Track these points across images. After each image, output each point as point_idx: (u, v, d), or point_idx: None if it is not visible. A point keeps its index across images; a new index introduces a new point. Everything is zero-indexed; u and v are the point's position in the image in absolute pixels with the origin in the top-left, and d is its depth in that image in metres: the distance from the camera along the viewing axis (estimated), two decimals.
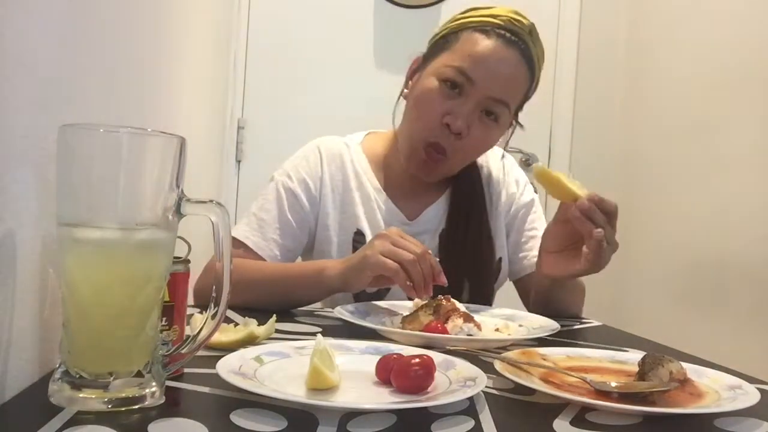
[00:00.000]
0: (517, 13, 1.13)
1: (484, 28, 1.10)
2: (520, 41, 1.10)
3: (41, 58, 0.59)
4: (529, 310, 1.15)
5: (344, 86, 2.43)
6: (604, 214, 0.93)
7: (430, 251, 0.97)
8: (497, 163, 1.29)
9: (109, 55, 0.79)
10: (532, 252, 1.22)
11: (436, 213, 1.23)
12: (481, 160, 1.27)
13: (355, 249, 1.17)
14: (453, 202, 1.23)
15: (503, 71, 1.09)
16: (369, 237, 1.18)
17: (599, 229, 0.92)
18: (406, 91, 1.19)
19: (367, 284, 0.99)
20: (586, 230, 0.93)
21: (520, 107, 1.18)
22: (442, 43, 1.14)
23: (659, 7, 2.26)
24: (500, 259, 1.24)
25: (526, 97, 1.17)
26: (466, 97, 1.09)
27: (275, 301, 1.03)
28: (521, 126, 1.22)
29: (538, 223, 1.26)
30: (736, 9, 1.83)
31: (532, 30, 1.12)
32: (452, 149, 1.12)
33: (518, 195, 1.27)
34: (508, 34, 1.09)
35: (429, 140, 1.12)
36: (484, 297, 1.19)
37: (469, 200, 1.22)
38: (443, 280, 0.96)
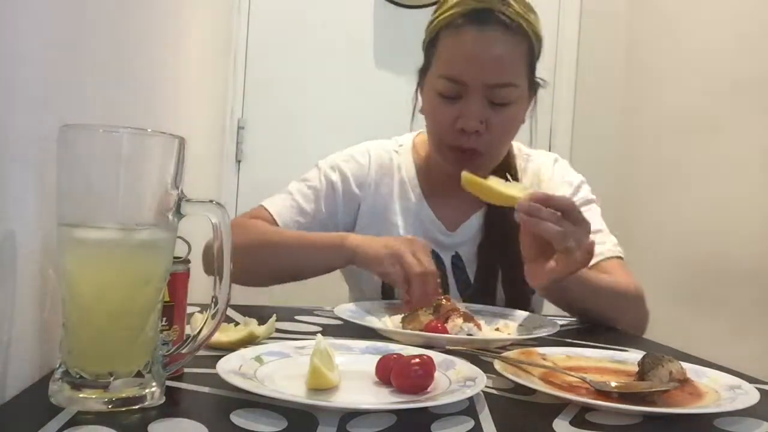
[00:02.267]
0: None
1: (454, 23, 1.07)
2: (493, 14, 1.05)
3: (41, 58, 0.59)
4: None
5: (344, 86, 2.43)
6: (557, 210, 0.88)
7: (436, 273, 0.99)
8: (548, 169, 1.25)
9: (110, 55, 0.79)
10: None
11: (476, 223, 1.20)
12: (531, 165, 1.24)
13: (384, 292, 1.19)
14: (491, 211, 1.19)
15: (489, 56, 1.06)
16: (379, 277, 1.15)
17: (549, 224, 0.87)
18: (420, 105, 1.19)
19: (374, 273, 1.03)
20: (540, 231, 0.88)
21: (531, 72, 1.12)
22: (428, 52, 1.14)
23: (659, 7, 2.26)
24: None
25: (533, 59, 1.12)
26: (467, 96, 1.07)
27: (288, 265, 1.09)
28: (543, 83, 1.16)
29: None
30: (737, 9, 1.83)
31: None
32: (480, 145, 1.10)
33: (569, 196, 1.18)
34: (478, 16, 1.06)
35: (452, 144, 1.11)
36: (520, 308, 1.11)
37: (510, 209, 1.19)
38: (427, 304, 0.94)
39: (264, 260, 1.10)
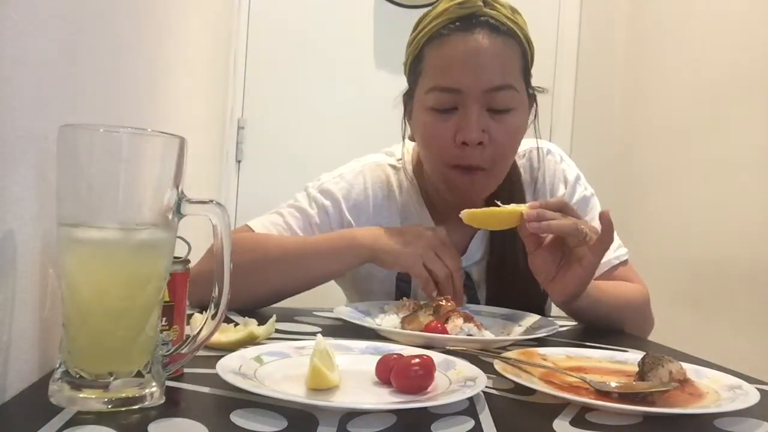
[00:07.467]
0: None
1: (439, 33, 1.01)
2: (479, 19, 1.00)
3: (41, 58, 0.59)
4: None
5: (344, 86, 2.43)
6: (555, 211, 0.88)
7: (461, 271, 0.99)
8: (541, 164, 1.17)
9: (109, 56, 0.79)
10: None
11: (481, 241, 1.14)
12: (522, 162, 1.17)
13: (398, 289, 1.14)
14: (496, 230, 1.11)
15: (483, 58, 0.99)
16: (414, 277, 1.10)
17: (561, 221, 0.86)
18: (409, 133, 1.11)
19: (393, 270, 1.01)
20: (556, 230, 0.87)
21: (526, 77, 1.06)
22: (412, 72, 1.07)
23: (659, 7, 2.26)
24: None
25: (527, 64, 1.05)
26: (464, 107, 1.00)
27: (294, 277, 1.01)
28: (542, 90, 1.09)
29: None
30: (736, 9, 1.83)
31: None
32: (484, 161, 1.01)
33: (567, 196, 1.14)
34: (461, 23, 1.00)
35: (454, 164, 1.02)
36: None
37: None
38: (459, 303, 0.95)
39: (265, 280, 1.01)
